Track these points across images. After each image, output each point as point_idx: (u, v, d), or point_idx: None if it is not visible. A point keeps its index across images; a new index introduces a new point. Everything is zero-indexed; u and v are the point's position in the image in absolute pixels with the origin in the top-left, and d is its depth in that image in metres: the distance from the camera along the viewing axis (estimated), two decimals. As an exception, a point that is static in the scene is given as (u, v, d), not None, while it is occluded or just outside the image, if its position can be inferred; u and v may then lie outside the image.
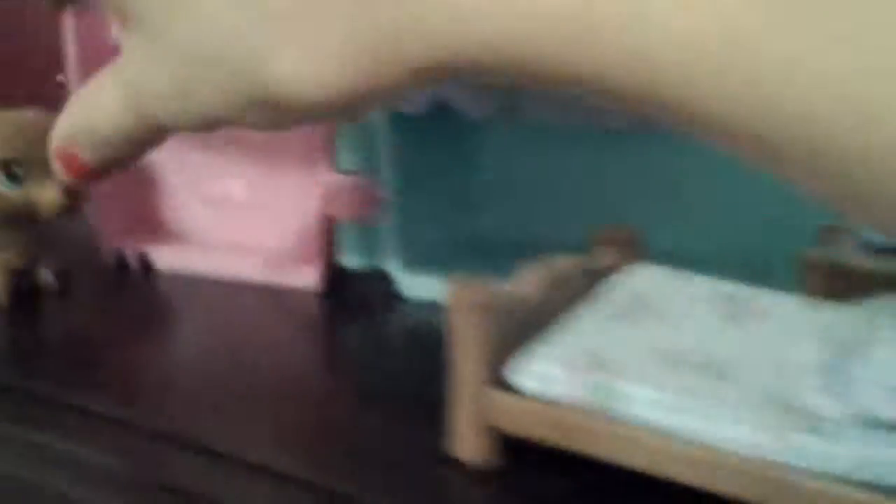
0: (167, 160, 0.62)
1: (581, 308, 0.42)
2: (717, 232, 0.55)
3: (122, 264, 0.62)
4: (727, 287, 0.42)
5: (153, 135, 0.30)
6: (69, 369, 0.49)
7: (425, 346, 0.51)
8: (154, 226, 0.64)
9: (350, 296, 0.59)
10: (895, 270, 0.42)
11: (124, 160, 0.33)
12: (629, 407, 0.36)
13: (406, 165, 0.57)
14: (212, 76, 0.25)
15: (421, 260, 0.58)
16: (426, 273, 0.57)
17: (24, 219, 0.54)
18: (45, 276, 0.58)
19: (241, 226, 0.61)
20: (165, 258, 0.62)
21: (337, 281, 0.59)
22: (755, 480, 0.34)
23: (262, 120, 0.25)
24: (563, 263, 0.43)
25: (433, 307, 0.55)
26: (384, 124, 0.56)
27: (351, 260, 0.60)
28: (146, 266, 0.62)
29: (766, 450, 0.34)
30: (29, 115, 0.54)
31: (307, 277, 0.58)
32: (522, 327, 0.40)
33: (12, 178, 0.53)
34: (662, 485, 0.35)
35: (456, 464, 0.39)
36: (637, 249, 0.46)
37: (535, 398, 0.38)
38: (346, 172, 0.57)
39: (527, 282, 0.41)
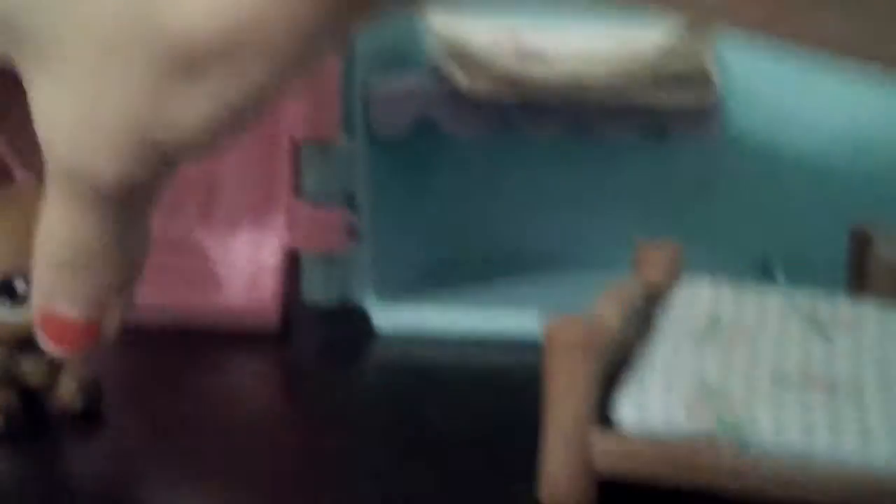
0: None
1: (658, 334, 0.39)
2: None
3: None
4: (803, 299, 0.41)
5: (110, 219, 0.27)
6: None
7: (409, 384, 0.47)
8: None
9: (319, 336, 0.53)
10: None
11: (108, 289, 0.30)
12: (758, 436, 0.33)
13: (380, 191, 0.53)
14: (110, 58, 0.22)
15: (396, 292, 0.53)
16: (402, 306, 0.53)
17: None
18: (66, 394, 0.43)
19: (187, 265, 0.54)
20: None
21: (302, 321, 0.54)
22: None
23: (194, 111, 0.23)
24: (630, 287, 0.40)
25: (410, 342, 0.51)
26: (359, 146, 0.51)
27: (317, 296, 0.54)
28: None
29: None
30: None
31: (268, 319, 0.52)
32: (611, 360, 0.37)
33: (12, 296, 0.39)
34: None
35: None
36: (678, 266, 0.44)
37: (648, 436, 0.34)
38: (313, 200, 0.52)
39: (608, 311, 0.37)
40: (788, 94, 0.54)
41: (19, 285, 0.38)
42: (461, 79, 0.48)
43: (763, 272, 0.54)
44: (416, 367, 0.50)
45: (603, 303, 0.38)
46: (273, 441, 0.42)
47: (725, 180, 0.56)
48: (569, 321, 0.34)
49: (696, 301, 0.41)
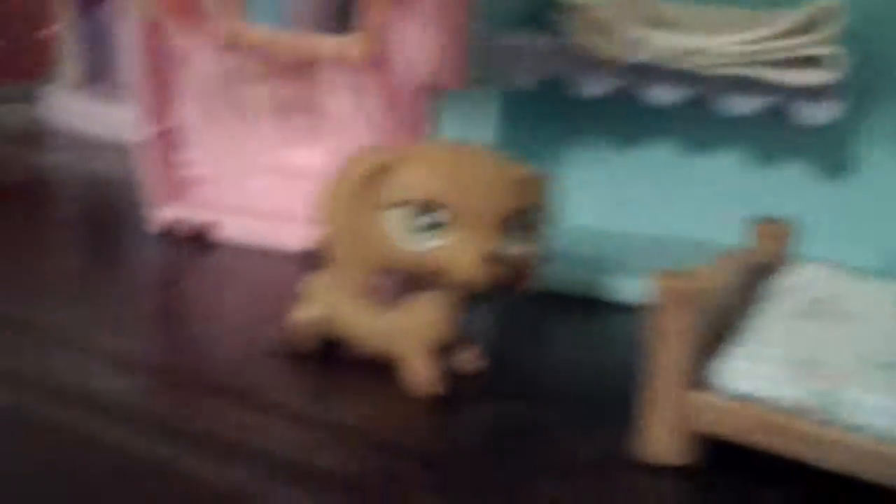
0: (236, 127, 0.58)
1: (763, 306, 0.40)
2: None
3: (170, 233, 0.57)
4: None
5: None
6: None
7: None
8: (216, 195, 0.59)
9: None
10: None
11: None
12: (856, 414, 0.34)
13: (510, 141, 0.54)
14: None
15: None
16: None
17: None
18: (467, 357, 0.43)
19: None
20: (228, 229, 0.57)
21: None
22: None
23: None
24: (737, 259, 0.41)
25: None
26: (492, 97, 0.53)
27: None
28: (201, 237, 0.57)
29: None
30: (467, 155, 0.39)
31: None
32: (714, 324, 0.38)
33: (432, 227, 0.37)
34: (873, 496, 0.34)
35: (649, 468, 0.37)
36: (790, 245, 0.44)
37: (741, 399, 0.36)
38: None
39: (715, 274, 0.39)
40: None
41: (439, 218, 0.37)
42: (587, 40, 0.49)
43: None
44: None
45: (710, 268, 0.39)
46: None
47: (848, 163, 0.55)
48: (678, 275, 0.36)
49: (803, 280, 0.42)
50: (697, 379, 0.36)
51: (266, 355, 0.43)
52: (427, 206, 0.37)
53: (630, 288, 0.52)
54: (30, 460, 0.35)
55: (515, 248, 0.38)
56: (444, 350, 0.41)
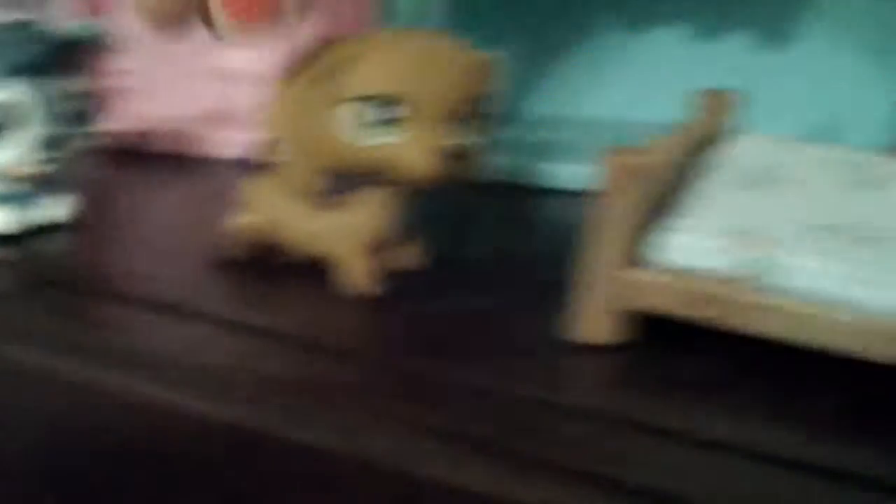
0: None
1: (703, 178, 0.39)
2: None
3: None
4: (844, 153, 0.40)
5: None
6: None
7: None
8: (151, 103, 0.58)
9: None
10: None
11: None
12: (792, 279, 0.34)
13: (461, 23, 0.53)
14: None
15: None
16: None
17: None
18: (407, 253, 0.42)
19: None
20: (165, 139, 0.55)
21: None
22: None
23: None
24: (681, 134, 0.40)
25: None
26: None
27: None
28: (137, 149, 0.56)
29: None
30: (426, 45, 0.37)
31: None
32: (657, 201, 0.37)
33: (388, 123, 0.36)
34: (811, 358, 0.34)
35: (585, 348, 0.36)
36: (733, 117, 0.43)
37: (685, 273, 0.35)
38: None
39: (660, 152, 0.37)
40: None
41: (395, 112, 0.36)
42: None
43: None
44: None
45: (656, 143, 0.38)
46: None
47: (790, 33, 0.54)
48: (627, 152, 0.35)
49: (744, 150, 0.40)
50: (634, 256, 0.36)
51: (202, 265, 0.41)
52: (384, 101, 0.35)
53: (571, 172, 0.51)
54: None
55: (467, 139, 0.37)
56: (383, 248, 0.40)
